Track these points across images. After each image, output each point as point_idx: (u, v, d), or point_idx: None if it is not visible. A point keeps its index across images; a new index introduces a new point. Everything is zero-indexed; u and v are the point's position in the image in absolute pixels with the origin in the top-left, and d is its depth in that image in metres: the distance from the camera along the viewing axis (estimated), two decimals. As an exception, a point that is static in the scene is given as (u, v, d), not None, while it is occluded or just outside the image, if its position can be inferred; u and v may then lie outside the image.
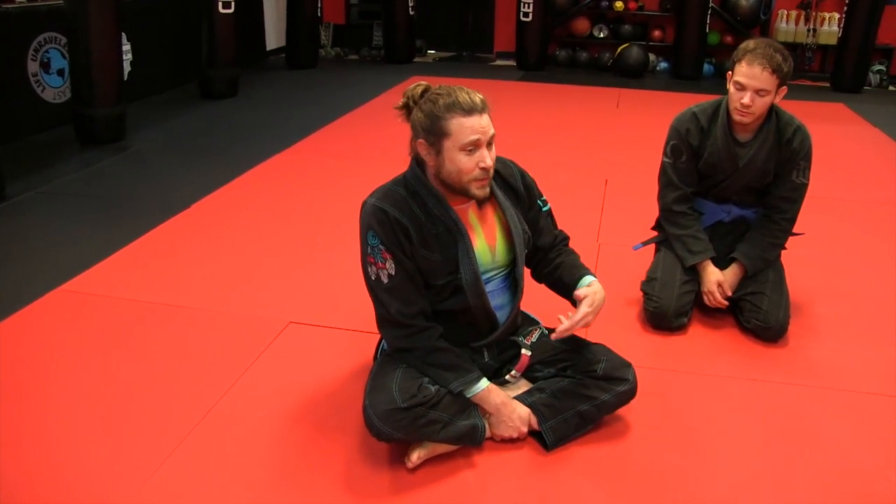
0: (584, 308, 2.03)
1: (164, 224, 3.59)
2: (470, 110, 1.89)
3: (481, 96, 1.94)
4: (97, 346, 2.55)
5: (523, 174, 2.18)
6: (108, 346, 2.56)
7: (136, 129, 5.18)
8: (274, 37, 8.31)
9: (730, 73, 2.56)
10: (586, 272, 2.16)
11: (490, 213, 2.09)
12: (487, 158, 1.93)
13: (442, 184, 1.98)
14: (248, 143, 5.04)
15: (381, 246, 1.97)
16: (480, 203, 2.06)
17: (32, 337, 2.60)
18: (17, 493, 1.89)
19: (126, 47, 5.73)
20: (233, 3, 6.13)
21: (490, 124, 1.93)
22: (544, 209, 2.21)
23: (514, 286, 2.15)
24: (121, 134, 4.99)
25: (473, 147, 1.91)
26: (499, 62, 8.68)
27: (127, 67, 5.73)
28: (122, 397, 2.28)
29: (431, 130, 1.91)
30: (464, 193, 1.98)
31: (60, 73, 5.25)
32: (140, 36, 6.02)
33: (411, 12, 8.06)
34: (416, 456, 1.98)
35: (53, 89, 5.22)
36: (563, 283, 2.18)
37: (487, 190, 1.99)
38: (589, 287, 2.08)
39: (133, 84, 5.82)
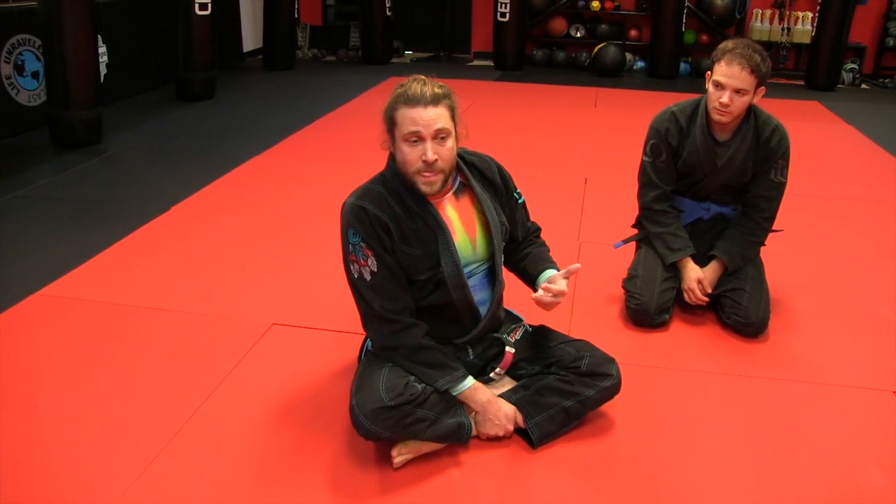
0: (563, 283, 2.05)
1: (143, 227, 3.56)
2: (414, 102, 1.90)
3: (440, 90, 1.94)
4: (78, 351, 2.53)
5: (500, 168, 2.20)
6: (90, 350, 2.54)
7: (113, 132, 5.14)
8: (251, 38, 8.26)
9: (709, 72, 2.59)
10: (551, 265, 2.21)
11: (469, 207, 2.11)
12: (429, 152, 1.92)
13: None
14: (227, 146, 5.02)
15: (362, 243, 1.97)
16: (458, 195, 2.07)
17: (12, 342, 2.57)
18: (3, 499, 1.87)
19: (102, 49, 5.68)
20: (209, 5, 6.09)
21: (439, 118, 1.91)
22: (520, 201, 2.25)
23: (493, 279, 2.16)
24: (98, 137, 4.95)
25: (416, 139, 1.92)
26: (476, 62, 8.69)
27: (102, 70, 5.68)
28: (105, 401, 2.26)
29: (386, 120, 1.96)
30: (413, 186, 1.98)
31: (35, 75, 5.19)
32: (116, 37, 5.96)
33: (388, 13, 8.06)
34: (400, 453, 1.98)
35: (28, 92, 5.16)
36: (528, 273, 2.23)
37: (435, 187, 1.98)
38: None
39: (109, 86, 5.76)
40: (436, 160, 1.93)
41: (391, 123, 1.95)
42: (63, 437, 2.11)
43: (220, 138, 5.23)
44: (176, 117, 5.77)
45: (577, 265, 2.08)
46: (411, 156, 1.93)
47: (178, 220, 3.69)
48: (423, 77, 1.97)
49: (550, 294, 2.04)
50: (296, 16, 7.87)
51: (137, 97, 6.29)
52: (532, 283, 2.21)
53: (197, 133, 5.38)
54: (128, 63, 6.16)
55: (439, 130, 1.92)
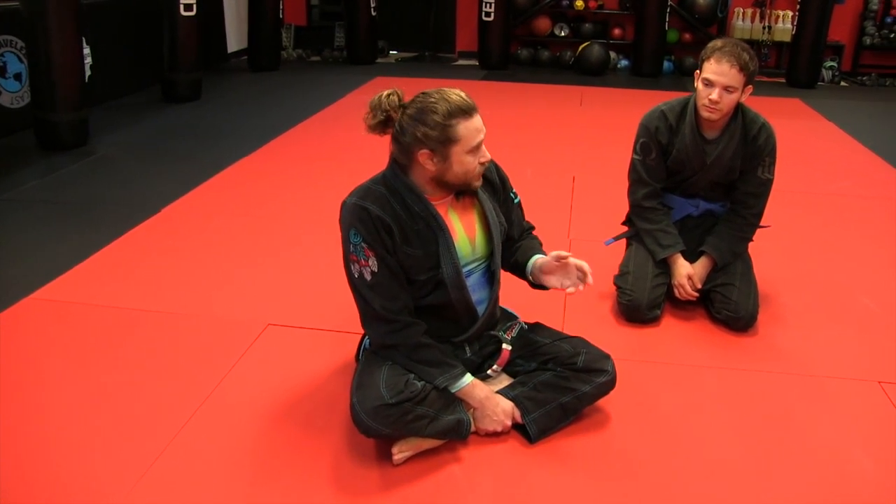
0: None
1: (134, 229, 3.55)
2: (470, 111, 1.94)
3: (465, 92, 1.99)
4: (73, 354, 2.53)
5: (498, 168, 2.24)
6: (85, 354, 2.53)
7: (99, 134, 5.11)
8: (235, 39, 8.24)
9: (697, 71, 2.63)
10: (539, 252, 2.25)
11: (469, 206, 2.14)
12: (486, 152, 2.01)
13: (438, 184, 2.01)
14: (215, 147, 5.01)
15: (363, 244, 1.99)
16: (459, 196, 2.10)
17: (4, 346, 2.57)
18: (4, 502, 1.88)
19: (86, 50, 5.64)
20: (194, 6, 6.07)
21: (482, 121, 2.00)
22: (516, 201, 2.28)
23: (491, 278, 2.20)
24: (84, 139, 4.92)
25: (479, 147, 1.97)
26: (461, 62, 8.72)
27: (87, 71, 5.64)
28: (102, 405, 2.27)
29: (438, 139, 1.92)
30: (465, 188, 2.04)
31: (17, 77, 5.15)
32: (100, 39, 5.93)
33: (373, 13, 8.06)
34: (400, 450, 2.01)
35: (11, 94, 5.12)
36: (518, 263, 2.26)
37: (482, 178, 2.07)
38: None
39: (94, 88, 5.73)
40: (490, 158, 2.03)
41: (448, 140, 1.92)
42: (61, 441, 2.11)
43: (208, 140, 5.22)
44: (162, 119, 5.75)
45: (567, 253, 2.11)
46: (473, 163, 1.98)
47: (169, 222, 3.69)
48: (439, 89, 1.99)
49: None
50: (280, 16, 7.85)
51: (122, 99, 6.25)
52: (522, 270, 2.24)
53: (184, 134, 5.37)
54: (112, 64, 6.13)
55: (485, 132, 2.00)
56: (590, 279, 2.08)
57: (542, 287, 2.23)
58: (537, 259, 2.20)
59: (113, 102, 6.10)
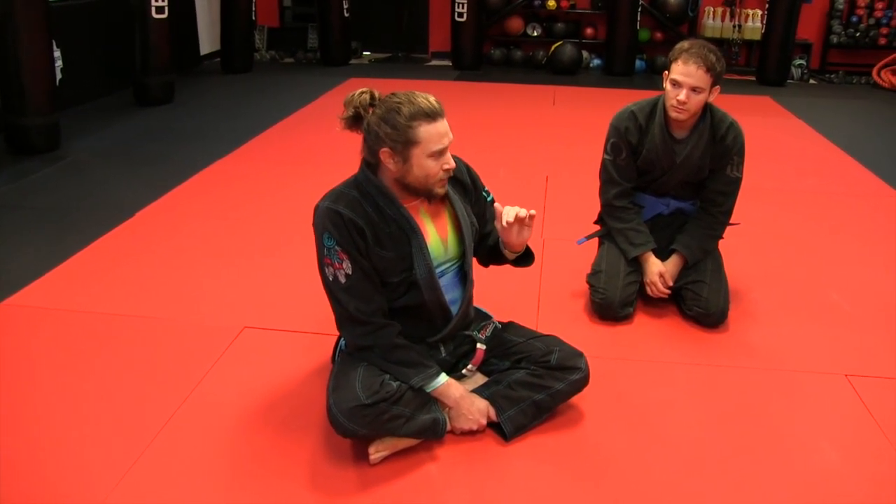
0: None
1: (108, 234, 3.53)
2: (434, 115, 1.95)
3: (434, 98, 2.00)
4: (47, 360, 2.52)
5: (468, 168, 2.26)
6: (60, 360, 2.52)
7: (71, 138, 5.06)
8: (207, 41, 8.18)
9: (666, 72, 2.67)
10: None
11: (441, 208, 2.16)
12: (451, 160, 2.01)
13: (401, 186, 2.03)
14: (188, 150, 4.98)
15: (336, 247, 2.01)
16: (431, 199, 2.12)
17: (-21, 353, 2.55)
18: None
19: (56, 53, 5.58)
20: (166, 8, 6.03)
21: (449, 127, 2.00)
22: (489, 199, 2.30)
23: (464, 278, 2.22)
24: (55, 143, 4.87)
25: (441, 153, 1.98)
26: (434, 62, 8.73)
27: (58, 74, 5.58)
28: (79, 409, 2.26)
29: (399, 140, 1.95)
30: (427, 194, 2.05)
31: (-14, 81, 5.08)
32: (71, 41, 5.87)
33: (346, 14, 8.05)
34: (377, 450, 2.03)
35: (-20, 98, 5.05)
36: (491, 248, 2.27)
37: (447, 187, 2.08)
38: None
39: (65, 91, 5.67)
40: (454, 166, 2.03)
41: (408, 142, 1.95)
42: (37, 446, 2.10)
43: (182, 143, 5.20)
44: (135, 122, 5.71)
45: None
46: (436, 168, 2.00)
47: (143, 226, 3.67)
48: (408, 91, 1.99)
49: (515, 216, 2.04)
50: (253, 18, 7.82)
51: (94, 102, 6.19)
52: (498, 252, 2.24)
53: (157, 138, 5.33)
54: (84, 67, 6.07)
55: (451, 139, 2.00)
56: (529, 213, 2.06)
57: (525, 260, 2.26)
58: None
59: (84, 106, 6.04)
